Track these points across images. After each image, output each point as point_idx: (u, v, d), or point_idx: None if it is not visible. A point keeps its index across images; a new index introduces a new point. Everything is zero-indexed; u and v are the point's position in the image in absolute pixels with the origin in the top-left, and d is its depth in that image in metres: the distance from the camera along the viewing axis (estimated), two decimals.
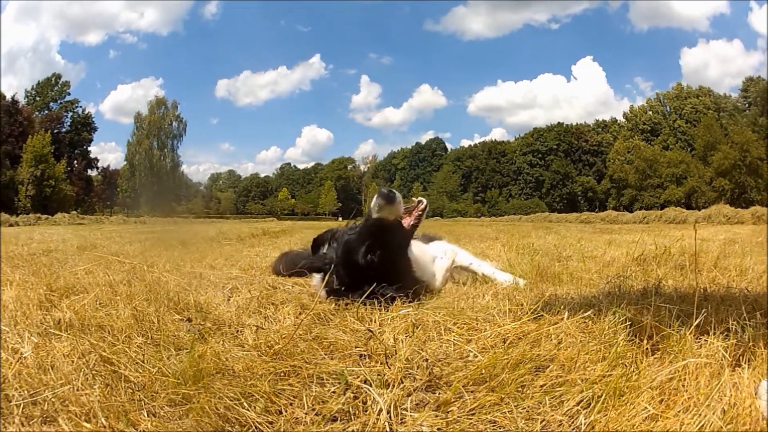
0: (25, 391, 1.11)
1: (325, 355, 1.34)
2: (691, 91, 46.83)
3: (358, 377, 1.17)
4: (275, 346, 1.37)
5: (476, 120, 75.02)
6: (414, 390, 1.12)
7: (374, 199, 1.96)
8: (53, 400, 1.07)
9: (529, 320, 1.39)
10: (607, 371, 1.14)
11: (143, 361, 1.29)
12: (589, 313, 1.45)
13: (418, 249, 2.18)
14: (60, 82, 51.36)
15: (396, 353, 1.28)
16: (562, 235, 7.04)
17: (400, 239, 1.99)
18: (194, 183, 60.37)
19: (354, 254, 1.94)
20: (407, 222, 2.01)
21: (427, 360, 1.22)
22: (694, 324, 1.28)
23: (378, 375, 1.18)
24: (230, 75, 69.55)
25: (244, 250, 4.94)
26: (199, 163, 77.54)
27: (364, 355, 1.33)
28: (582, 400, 1.04)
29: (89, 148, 52.39)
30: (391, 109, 65.38)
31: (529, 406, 1.03)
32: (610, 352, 1.22)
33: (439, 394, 1.10)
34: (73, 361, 1.30)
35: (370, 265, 1.90)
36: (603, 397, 1.02)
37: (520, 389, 1.08)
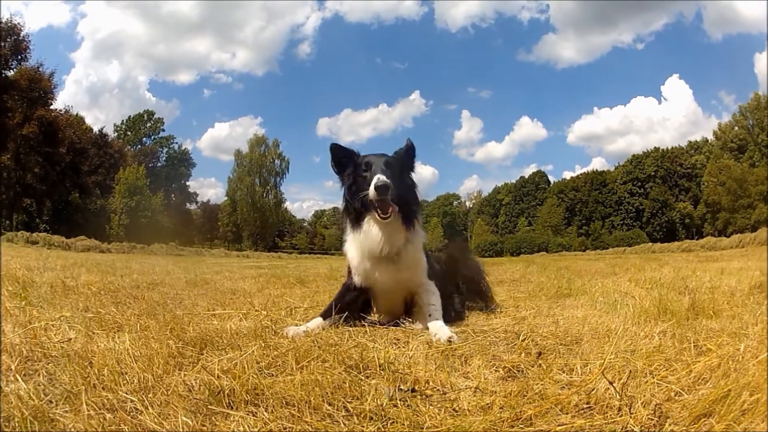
0: None
1: (561, 412, 1.31)
2: None
3: None
4: (512, 409, 1.31)
5: (576, 150, 72.13)
6: None
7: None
8: None
9: (716, 357, 1.64)
10: None
11: None
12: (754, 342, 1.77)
13: None
14: (153, 119, 53.13)
15: (630, 403, 1.31)
16: (675, 267, 6.90)
17: None
18: (298, 219, 60.61)
19: None
20: None
21: (655, 403, 1.32)
22: None
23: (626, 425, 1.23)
24: (331, 114, 73.33)
25: None
26: (302, 200, 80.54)
27: (585, 408, 1.33)
28: None
29: (187, 183, 54.73)
30: (494, 144, 66.16)
31: (746, 428, 1.24)
32: None
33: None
34: None
35: None
36: None
37: (727, 414, 1.29)
